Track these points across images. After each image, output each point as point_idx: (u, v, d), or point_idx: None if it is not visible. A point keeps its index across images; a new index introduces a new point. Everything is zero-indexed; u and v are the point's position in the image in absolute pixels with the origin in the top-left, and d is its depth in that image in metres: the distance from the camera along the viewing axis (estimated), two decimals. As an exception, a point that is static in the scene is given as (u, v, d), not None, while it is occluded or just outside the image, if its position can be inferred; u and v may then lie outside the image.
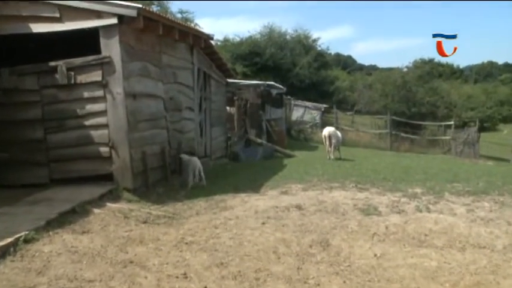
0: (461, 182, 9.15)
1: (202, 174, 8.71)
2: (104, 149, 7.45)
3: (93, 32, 7.24)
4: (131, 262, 4.37)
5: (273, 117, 19.94)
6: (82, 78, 7.39)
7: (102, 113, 7.40)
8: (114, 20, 7.14)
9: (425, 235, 5.32)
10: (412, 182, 9.02)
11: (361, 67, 60.21)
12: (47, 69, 7.45)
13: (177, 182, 8.77)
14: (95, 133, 7.48)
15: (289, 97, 26.39)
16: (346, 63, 59.08)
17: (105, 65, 7.26)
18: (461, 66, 60.12)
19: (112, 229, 5.45)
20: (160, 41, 8.73)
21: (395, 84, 28.59)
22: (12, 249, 4.47)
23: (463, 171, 11.46)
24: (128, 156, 7.37)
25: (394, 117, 24.31)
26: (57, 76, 7.38)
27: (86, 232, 5.24)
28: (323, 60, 38.06)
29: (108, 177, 7.39)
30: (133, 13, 7.12)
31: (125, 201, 6.85)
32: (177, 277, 4.06)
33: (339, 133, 14.96)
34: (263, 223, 5.76)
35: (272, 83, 21.18)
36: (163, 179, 8.60)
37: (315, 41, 37.78)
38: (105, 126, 7.41)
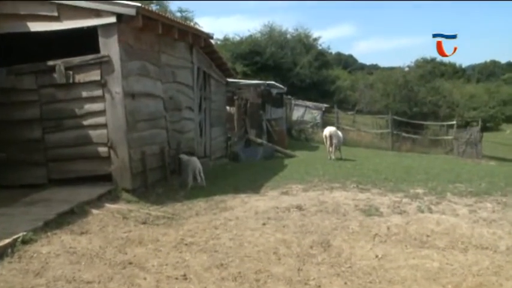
0: (464, 182, 9.10)
1: (202, 174, 8.67)
2: (102, 149, 7.41)
3: (92, 31, 7.20)
4: (130, 263, 4.35)
5: (274, 117, 19.91)
6: (80, 77, 7.35)
7: (101, 112, 7.36)
8: (113, 19, 7.11)
9: (427, 236, 5.29)
10: (414, 183, 8.98)
11: (363, 66, 60.26)
12: (45, 69, 7.42)
13: (177, 182, 8.74)
14: (93, 133, 7.44)
15: (289, 97, 26.38)
16: (347, 62, 59.13)
17: (104, 64, 7.23)
18: (463, 66, 60.11)
19: (111, 230, 5.42)
20: (159, 40, 8.68)
21: (397, 83, 28.52)
22: (9, 250, 4.44)
23: (466, 172, 11.42)
24: (127, 157, 7.32)
25: (396, 117, 24.24)
26: (55, 75, 7.35)
27: (84, 233, 5.22)
28: (324, 60, 38.06)
29: (106, 178, 7.36)
30: (133, 12, 7.08)
31: (123, 202, 6.82)
32: (176, 278, 4.04)
33: (340, 133, 14.92)
34: (263, 224, 5.74)
35: (272, 82, 21.17)
36: (163, 179, 8.56)
37: (315, 40, 37.82)
38: (103, 126, 7.37)
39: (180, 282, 3.96)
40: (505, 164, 17.22)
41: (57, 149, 7.57)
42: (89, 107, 7.41)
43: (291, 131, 23.19)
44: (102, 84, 7.28)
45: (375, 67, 56.36)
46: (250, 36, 33.24)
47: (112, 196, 6.92)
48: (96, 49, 7.24)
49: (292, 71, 32.79)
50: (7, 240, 4.51)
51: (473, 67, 68.08)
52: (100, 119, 7.38)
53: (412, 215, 6.25)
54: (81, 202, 6.20)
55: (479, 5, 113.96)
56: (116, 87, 7.24)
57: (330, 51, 42.89)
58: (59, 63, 7.33)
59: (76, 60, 7.34)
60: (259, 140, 16.80)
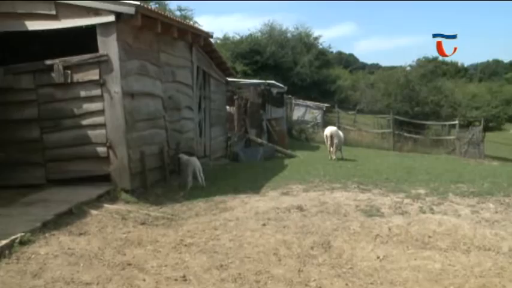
0: (466, 182, 9.06)
1: (201, 174, 8.64)
2: (101, 149, 7.37)
3: (91, 30, 7.15)
4: (129, 264, 4.33)
5: (274, 117, 19.85)
6: (79, 76, 7.31)
7: (100, 112, 7.32)
8: (112, 18, 7.07)
9: (429, 237, 5.24)
10: (416, 183, 8.94)
11: (364, 66, 60.35)
12: (43, 68, 7.37)
13: (176, 182, 8.72)
14: (92, 133, 7.40)
15: (290, 96, 26.34)
16: (348, 61, 59.15)
17: (103, 63, 7.19)
18: (465, 65, 59.81)
19: (109, 231, 5.40)
20: (158, 39, 8.64)
21: (398, 83, 28.47)
22: (7, 251, 4.41)
23: (468, 172, 11.39)
24: (126, 157, 7.29)
25: (397, 117, 24.20)
26: (53, 75, 7.30)
27: (83, 234, 5.19)
28: (325, 59, 38.02)
29: (105, 178, 7.32)
30: (132, 10, 7.04)
31: (122, 203, 6.79)
32: (175, 279, 4.01)
33: (340, 133, 14.90)
34: (263, 224, 5.70)
35: (273, 81, 21.14)
36: (162, 179, 8.53)
37: (316, 39, 37.74)
38: (102, 125, 7.33)
39: (179, 284, 3.93)
40: (508, 164, 17.14)
41: (56, 149, 7.52)
42: (88, 106, 7.37)
43: (291, 130, 23.14)
44: (100, 83, 7.24)
45: (376, 66, 56.46)
46: (250, 35, 33.17)
47: (111, 196, 6.90)
48: (95, 48, 7.19)
49: (293, 70, 32.75)
50: (5, 241, 4.47)
51: (475, 66, 67.93)
52: (99, 119, 7.33)
53: (414, 215, 6.21)
54: (80, 203, 6.17)
55: (481, 3, 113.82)
56: (115, 86, 7.20)
57: (330, 50, 42.95)
58: (57, 63, 7.28)
59: (74, 59, 7.30)
60: (259, 140, 16.76)
